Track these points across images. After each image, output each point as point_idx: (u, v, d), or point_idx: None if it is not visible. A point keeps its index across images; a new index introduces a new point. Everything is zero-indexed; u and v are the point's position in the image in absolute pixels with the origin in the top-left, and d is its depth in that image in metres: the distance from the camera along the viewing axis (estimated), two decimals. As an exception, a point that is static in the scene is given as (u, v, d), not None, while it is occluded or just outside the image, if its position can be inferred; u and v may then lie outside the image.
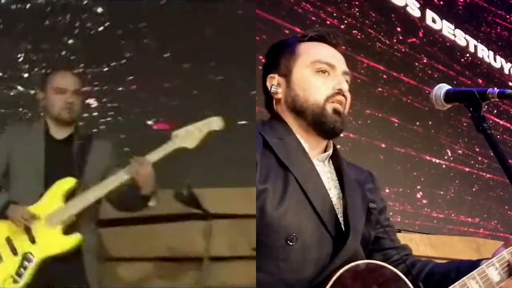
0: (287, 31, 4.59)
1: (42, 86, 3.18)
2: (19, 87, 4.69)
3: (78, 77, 3.23)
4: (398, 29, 5.63)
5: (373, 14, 5.40)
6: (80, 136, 3.14)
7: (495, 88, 1.61)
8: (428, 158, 5.64)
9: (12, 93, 4.67)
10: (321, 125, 1.78)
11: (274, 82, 1.86)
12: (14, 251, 2.95)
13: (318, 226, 1.68)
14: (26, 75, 4.69)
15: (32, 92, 4.39)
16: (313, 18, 4.88)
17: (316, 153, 1.83)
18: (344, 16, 5.16)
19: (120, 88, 4.70)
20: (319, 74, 1.81)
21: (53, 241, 2.95)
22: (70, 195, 2.97)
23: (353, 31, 5.24)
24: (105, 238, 3.66)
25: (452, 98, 1.71)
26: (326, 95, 1.78)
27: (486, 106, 1.65)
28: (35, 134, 3.12)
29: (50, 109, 3.09)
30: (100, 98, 4.67)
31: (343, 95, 1.80)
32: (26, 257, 2.91)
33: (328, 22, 5.00)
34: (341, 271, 1.58)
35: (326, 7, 4.99)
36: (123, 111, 4.66)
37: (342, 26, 5.12)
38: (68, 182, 2.97)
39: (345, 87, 1.81)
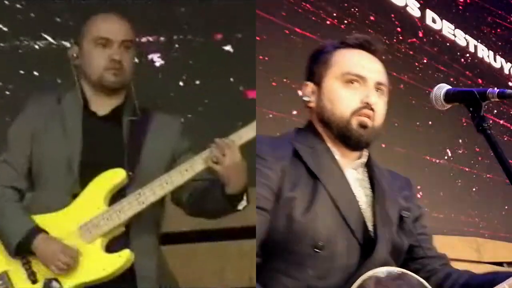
0: (286, 31, 4.60)
1: (77, 37, 2.29)
2: (46, 39, 3.42)
3: (129, 23, 2.28)
4: (398, 29, 5.63)
5: (373, 14, 5.39)
6: (133, 110, 2.26)
7: (495, 88, 1.62)
8: (428, 158, 5.63)
9: (35, 48, 3.39)
10: (346, 139, 1.80)
11: (308, 90, 1.89)
12: (32, 277, 2.11)
13: (346, 234, 1.70)
14: (58, 19, 3.42)
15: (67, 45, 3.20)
16: (313, 18, 4.88)
17: (349, 161, 1.84)
18: (344, 16, 5.16)
19: (190, 36, 3.55)
20: (348, 85, 1.81)
21: (89, 262, 2.08)
22: (117, 194, 2.12)
23: (353, 31, 5.23)
24: (170, 260, 2.43)
25: (452, 98, 1.72)
26: (352, 109, 1.79)
27: (486, 106, 1.65)
28: (67, 109, 2.24)
29: (88, 70, 2.22)
30: (165, 52, 3.54)
31: (371, 109, 1.79)
32: (49, 286, 2.06)
33: (328, 22, 5.00)
34: (363, 277, 1.59)
35: (326, 7, 4.99)
36: (200, 71, 3.59)
37: (342, 26, 5.12)
38: (115, 176, 2.12)
39: (373, 100, 1.80)
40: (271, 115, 4.32)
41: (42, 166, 2.21)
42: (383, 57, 1.94)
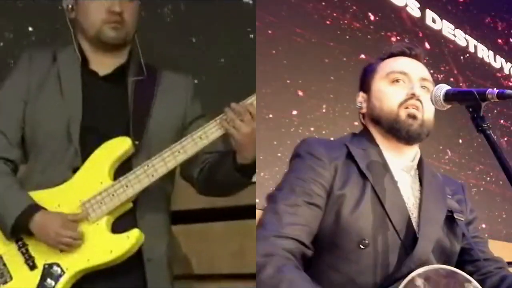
0: (287, 31, 4.60)
1: None
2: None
3: None
4: (398, 29, 5.63)
5: (373, 14, 5.40)
6: (139, 69, 2.00)
7: (495, 89, 1.62)
8: (428, 160, 5.63)
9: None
10: (396, 131, 1.87)
11: (359, 99, 2.00)
12: (30, 262, 1.86)
13: (391, 233, 1.74)
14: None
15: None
16: (313, 19, 4.88)
17: (401, 162, 1.90)
18: (343, 16, 5.16)
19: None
20: (394, 83, 1.91)
21: (94, 244, 1.85)
22: (123, 166, 1.89)
23: (353, 31, 5.23)
24: (182, 241, 2.31)
25: (452, 99, 1.72)
26: (399, 102, 1.87)
27: (485, 107, 1.66)
28: (64, 68, 1.97)
29: (85, 24, 1.96)
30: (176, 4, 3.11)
31: (418, 100, 1.85)
32: (49, 271, 1.82)
33: (328, 22, 5.00)
34: (413, 274, 1.61)
35: (326, 6, 5.00)
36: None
37: (342, 26, 5.13)
38: (120, 145, 1.87)
39: (419, 91, 1.87)
40: (271, 115, 4.34)
41: (36, 133, 1.94)
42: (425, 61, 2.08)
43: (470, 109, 1.65)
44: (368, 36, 5.32)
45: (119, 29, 1.94)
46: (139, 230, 1.85)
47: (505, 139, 6.49)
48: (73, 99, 1.92)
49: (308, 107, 4.66)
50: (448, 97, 1.72)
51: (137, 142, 1.89)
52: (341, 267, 1.73)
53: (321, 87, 4.76)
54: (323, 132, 4.60)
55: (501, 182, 6.09)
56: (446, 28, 6.14)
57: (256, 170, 2.00)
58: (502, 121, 6.52)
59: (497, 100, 1.61)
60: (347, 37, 5.12)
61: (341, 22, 5.13)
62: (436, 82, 1.83)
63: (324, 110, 4.74)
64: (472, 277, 1.79)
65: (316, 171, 1.79)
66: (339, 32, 5.08)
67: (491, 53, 6.69)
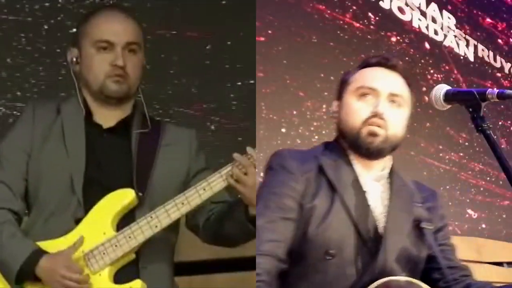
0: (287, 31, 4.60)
1: (75, 38, 2.05)
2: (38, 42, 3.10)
3: (134, 22, 2.04)
4: (398, 29, 5.62)
5: (373, 14, 5.39)
6: (143, 121, 2.04)
7: (495, 89, 1.62)
8: (428, 160, 5.63)
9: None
10: (357, 147, 1.93)
11: (334, 108, 2.05)
12: None
13: (358, 243, 1.81)
14: (45, 26, 3.13)
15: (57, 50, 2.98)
16: (313, 18, 4.88)
17: (371, 172, 1.95)
18: (343, 16, 5.16)
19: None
20: (362, 98, 1.95)
21: None
22: (126, 218, 1.92)
23: (353, 31, 5.23)
24: None
25: (452, 99, 1.74)
26: (363, 119, 1.91)
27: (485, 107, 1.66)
28: (68, 121, 2.00)
29: (88, 78, 2.00)
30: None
31: (382, 118, 1.88)
32: None
33: (328, 22, 5.00)
34: (373, 285, 1.72)
35: (326, 6, 5.00)
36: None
37: (341, 26, 5.12)
38: (123, 197, 1.90)
39: (382, 109, 1.90)
40: (271, 115, 4.33)
41: (40, 185, 1.98)
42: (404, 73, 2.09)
43: (470, 109, 1.66)
44: (368, 36, 5.32)
45: (122, 83, 1.99)
46: (141, 281, 1.88)
47: (505, 139, 6.48)
48: (76, 151, 1.96)
49: (308, 107, 4.66)
50: (448, 97, 1.74)
51: (140, 194, 1.93)
52: (309, 277, 1.79)
53: (321, 87, 4.76)
54: (323, 132, 4.59)
55: (501, 182, 6.08)
56: (446, 28, 6.13)
57: (256, 170, 2.04)
58: (501, 122, 6.51)
59: (497, 100, 1.63)
60: (347, 37, 5.15)
61: (341, 22, 5.12)
62: (436, 82, 1.84)
63: (324, 110, 4.74)
64: (438, 284, 1.90)
65: (288, 185, 1.84)
66: (339, 32, 5.08)
67: (491, 53, 6.68)
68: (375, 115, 1.89)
